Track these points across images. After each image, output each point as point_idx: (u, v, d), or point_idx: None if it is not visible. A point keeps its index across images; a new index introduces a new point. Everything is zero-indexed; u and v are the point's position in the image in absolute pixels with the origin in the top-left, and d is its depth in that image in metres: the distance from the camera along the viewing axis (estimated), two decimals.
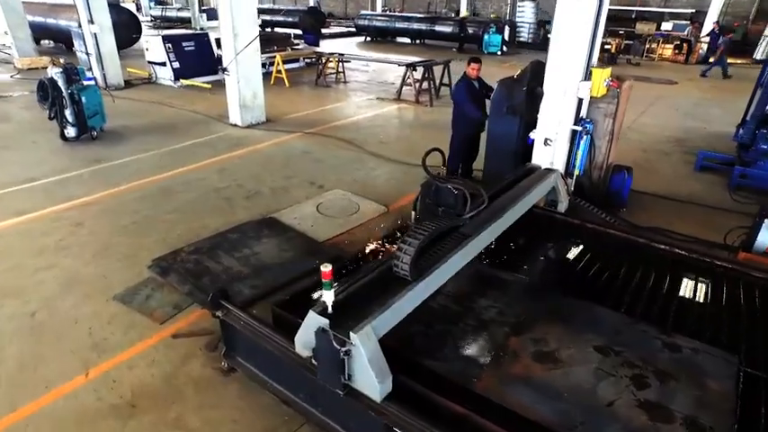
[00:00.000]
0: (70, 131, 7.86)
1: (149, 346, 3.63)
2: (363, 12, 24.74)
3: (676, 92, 13.41)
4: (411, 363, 2.80)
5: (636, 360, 2.90)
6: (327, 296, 2.51)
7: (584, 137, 5.55)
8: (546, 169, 4.81)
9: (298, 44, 15.64)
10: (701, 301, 3.56)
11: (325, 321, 2.51)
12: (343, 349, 2.43)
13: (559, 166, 5.51)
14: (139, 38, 16.29)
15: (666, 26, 22.67)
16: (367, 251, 4.17)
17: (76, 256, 4.78)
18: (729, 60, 16.66)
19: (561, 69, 5.30)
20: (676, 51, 19.84)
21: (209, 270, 4.53)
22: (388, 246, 4.08)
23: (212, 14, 19.79)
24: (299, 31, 18.74)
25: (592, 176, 5.92)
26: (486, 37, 19.73)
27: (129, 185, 6.40)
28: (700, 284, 3.74)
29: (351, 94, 12.37)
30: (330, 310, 2.54)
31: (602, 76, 5.34)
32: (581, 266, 3.92)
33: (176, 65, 12.13)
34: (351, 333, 2.41)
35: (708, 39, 19.57)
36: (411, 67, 11.66)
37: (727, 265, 3.86)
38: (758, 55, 19.84)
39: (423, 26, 21.89)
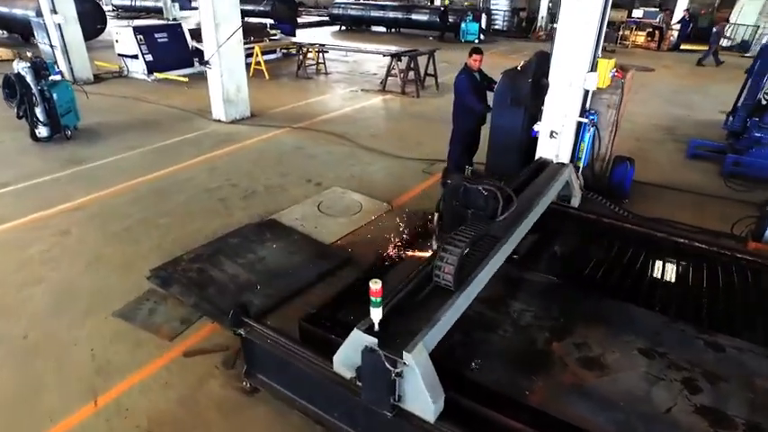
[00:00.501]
0: (42, 131, 7.33)
1: (160, 367, 3.37)
2: (337, 0, 24.14)
3: (655, 79, 13.61)
4: (457, 376, 2.64)
5: (682, 362, 2.83)
6: (375, 314, 2.32)
7: (590, 129, 5.49)
8: (559, 163, 4.71)
9: (275, 34, 15.13)
10: (728, 295, 3.52)
11: (372, 340, 2.32)
12: (396, 370, 2.25)
13: (565, 158, 5.44)
14: (105, 29, 15.47)
15: (637, 13, 23.07)
16: (386, 256, 4.00)
17: (66, 268, 4.42)
18: (697, 47, 17.08)
19: (567, 61, 5.19)
20: (649, 38, 20.21)
21: (214, 279, 4.26)
22: (409, 251, 3.92)
23: (184, 4, 18.95)
24: (271, 21, 18.18)
25: (594, 168, 5.89)
26: (463, 25, 19.63)
27: (113, 188, 5.99)
28: (723, 278, 3.70)
29: (334, 86, 12.05)
30: (377, 327, 2.35)
31: (608, 66, 5.28)
32: (605, 264, 3.83)
33: (149, 57, 11.52)
34: (404, 352, 2.24)
35: (678, 26, 20.00)
36: (396, 57, 11.40)
37: (749, 258, 3.85)
38: (725, 42, 20.39)
39: (399, 14, 21.58)
